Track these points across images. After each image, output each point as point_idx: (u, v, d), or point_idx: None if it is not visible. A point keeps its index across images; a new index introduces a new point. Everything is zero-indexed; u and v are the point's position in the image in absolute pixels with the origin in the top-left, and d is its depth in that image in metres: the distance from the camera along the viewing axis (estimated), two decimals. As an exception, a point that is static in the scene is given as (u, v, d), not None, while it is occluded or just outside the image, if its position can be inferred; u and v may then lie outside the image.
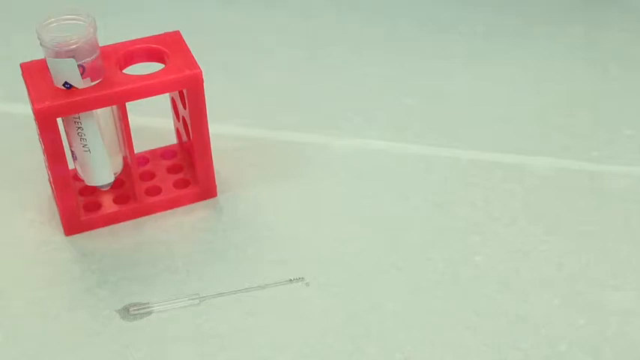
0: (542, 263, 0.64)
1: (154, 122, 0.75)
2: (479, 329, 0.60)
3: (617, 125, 0.77)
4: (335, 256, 0.65)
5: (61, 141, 0.63)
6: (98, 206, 0.68)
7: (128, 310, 0.60)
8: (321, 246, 0.66)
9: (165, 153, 0.73)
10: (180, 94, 0.67)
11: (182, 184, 0.70)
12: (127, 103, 0.63)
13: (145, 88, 0.63)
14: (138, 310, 0.60)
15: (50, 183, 0.68)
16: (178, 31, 0.67)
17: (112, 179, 0.67)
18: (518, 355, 0.58)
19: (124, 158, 0.68)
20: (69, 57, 0.60)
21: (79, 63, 0.60)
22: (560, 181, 0.71)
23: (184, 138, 0.70)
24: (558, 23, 0.90)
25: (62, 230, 0.67)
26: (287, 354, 0.58)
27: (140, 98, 0.63)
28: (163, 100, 0.69)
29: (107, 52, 0.64)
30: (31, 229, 0.67)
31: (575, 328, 0.60)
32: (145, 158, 0.72)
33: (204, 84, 0.64)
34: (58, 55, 0.60)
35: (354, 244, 0.66)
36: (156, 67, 0.65)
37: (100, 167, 0.65)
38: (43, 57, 0.61)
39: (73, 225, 0.67)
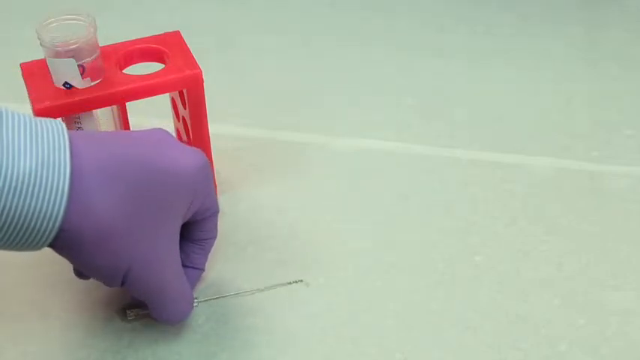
0: (542, 263, 0.64)
1: (154, 122, 0.75)
2: (479, 329, 0.60)
3: (617, 125, 0.77)
4: (335, 256, 0.65)
5: (61, 141, 0.63)
6: (98, 206, 0.68)
7: (126, 312, 0.60)
8: (321, 246, 0.66)
9: (165, 153, 0.73)
10: (180, 94, 0.67)
11: (182, 184, 0.70)
12: (127, 103, 0.63)
13: (145, 88, 0.63)
14: (136, 314, 0.60)
15: (50, 183, 0.68)
16: (178, 31, 0.67)
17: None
18: (518, 355, 0.58)
19: (124, 158, 0.68)
20: (69, 57, 0.60)
21: (79, 63, 0.60)
22: (560, 181, 0.71)
23: (184, 138, 0.70)
24: (558, 23, 0.90)
25: (62, 230, 0.67)
26: (287, 354, 0.58)
27: (140, 98, 0.63)
28: (163, 100, 0.69)
29: (107, 52, 0.64)
30: (31, 229, 0.67)
31: (575, 328, 0.60)
32: (145, 158, 0.72)
33: (204, 84, 0.64)
34: (58, 55, 0.60)
35: (354, 244, 0.66)
36: (156, 67, 0.65)
37: (100, 167, 0.65)
38: (43, 57, 0.61)
39: (73, 225, 0.67)
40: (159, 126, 0.74)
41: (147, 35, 0.66)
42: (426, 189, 0.71)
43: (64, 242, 0.50)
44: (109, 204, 0.51)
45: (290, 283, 0.63)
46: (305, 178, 0.72)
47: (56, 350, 0.59)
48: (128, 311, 0.60)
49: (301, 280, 0.63)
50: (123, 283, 0.54)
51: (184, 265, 0.59)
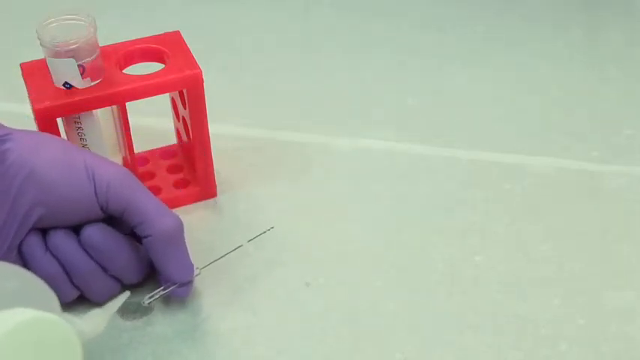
0: (542, 263, 0.64)
1: (154, 122, 0.75)
2: (479, 329, 0.60)
3: (617, 125, 0.77)
4: (335, 256, 0.65)
5: (61, 141, 0.63)
6: (98, 206, 0.68)
7: (128, 309, 0.60)
8: (321, 246, 0.66)
9: (165, 153, 0.73)
10: (180, 94, 0.67)
11: (182, 184, 0.70)
12: (127, 103, 0.63)
13: (145, 88, 0.63)
14: (150, 296, 0.60)
15: (50, 183, 0.68)
16: (178, 31, 0.67)
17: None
18: (518, 355, 0.58)
19: (124, 158, 0.68)
20: (69, 57, 0.60)
21: (79, 63, 0.60)
22: (560, 181, 0.71)
23: (184, 138, 0.70)
24: (558, 23, 0.90)
25: (62, 230, 0.67)
26: (287, 354, 0.58)
27: (140, 98, 0.63)
28: (163, 100, 0.69)
29: (107, 52, 0.64)
30: (31, 229, 0.67)
31: (575, 328, 0.60)
32: (145, 158, 0.72)
33: (204, 84, 0.64)
34: (58, 55, 0.60)
35: (354, 244, 0.66)
36: (156, 67, 0.65)
37: (100, 167, 0.65)
38: (43, 57, 0.61)
39: (73, 225, 0.67)
40: (159, 125, 0.75)
41: (147, 35, 0.66)
42: (426, 189, 0.71)
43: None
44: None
45: (263, 232, 0.64)
46: (305, 178, 0.72)
47: (56, 350, 0.59)
48: (144, 299, 0.60)
49: (272, 227, 0.64)
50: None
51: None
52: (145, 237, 0.58)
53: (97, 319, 0.53)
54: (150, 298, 0.59)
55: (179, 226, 0.59)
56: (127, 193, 0.57)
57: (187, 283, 0.60)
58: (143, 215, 0.58)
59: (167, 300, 0.61)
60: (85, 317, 0.52)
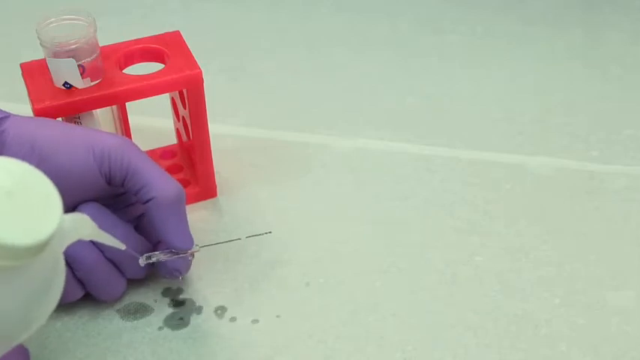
0: (542, 263, 0.64)
1: (154, 122, 0.75)
2: (479, 329, 0.60)
3: (617, 125, 0.77)
4: (335, 256, 0.65)
5: (61, 141, 0.63)
6: (98, 206, 0.68)
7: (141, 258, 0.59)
8: (321, 246, 0.66)
9: (165, 153, 0.73)
10: (180, 94, 0.67)
11: (182, 184, 0.70)
12: (127, 103, 0.63)
13: (145, 88, 0.63)
14: (147, 258, 0.59)
15: (50, 183, 0.68)
16: (178, 31, 0.67)
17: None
18: (518, 355, 0.58)
19: (124, 158, 0.67)
20: (69, 57, 0.60)
21: (79, 63, 0.60)
22: (560, 181, 0.71)
23: (184, 138, 0.70)
24: (558, 23, 0.90)
25: (62, 230, 0.67)
26: (287, 354, 0.58)
27: (140, 98, 0.63)
28: (163, 100, 0.69)
29: (107, 52, 0.64)
30: (31, 229, 0.67)
31: (575, 328, 0.60)
32: (144, 158, 0.72)
33: (204, 84, 0.64)
34: (58, 55, 0.60)
35: (354, 244, 0.66)
36: (156, 67, 0.65)
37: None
38: (43, 57, 0.61)
39: (73, 225, 0.67)
40: (159, 125, 0.75)
41: (147, 35, 0.66)
42: (426, 189, 0.71)
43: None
44: None
45: (262, 234, 0.64)
46: (305, 178, 0.72)
47: (56, 350, 0.59)
48: (142, 257, 0.59)
49: (270, 232, 0.64)
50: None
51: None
52: (148, 201, 0.58)
53: (82, 224, 0.48)
54: (147, 258, 0.59)
55: (181, 193, 0.58)
56: (128, 159, 0.57)
57: (186, 258, 0.60)
58: (146, 179, 0.57)
59: (167, 300, 0.61)
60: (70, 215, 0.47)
